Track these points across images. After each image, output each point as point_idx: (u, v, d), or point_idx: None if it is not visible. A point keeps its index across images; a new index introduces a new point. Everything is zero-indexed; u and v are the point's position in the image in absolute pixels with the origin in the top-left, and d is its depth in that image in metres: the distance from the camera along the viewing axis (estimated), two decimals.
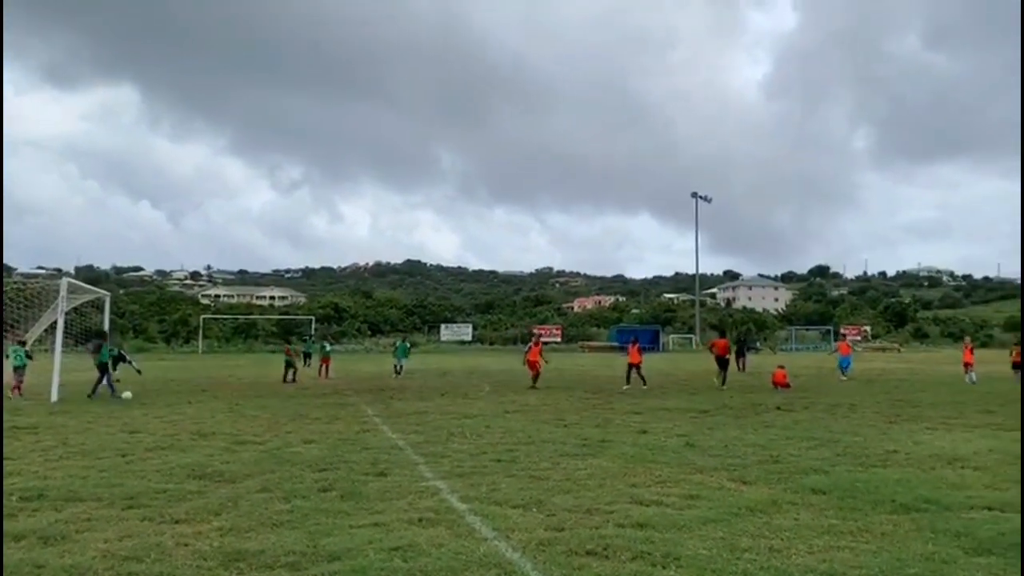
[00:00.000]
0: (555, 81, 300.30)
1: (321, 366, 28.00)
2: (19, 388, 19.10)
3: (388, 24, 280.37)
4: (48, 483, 7.73)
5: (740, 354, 32.07)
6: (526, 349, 24.27)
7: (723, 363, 22.55)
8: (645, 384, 21.06)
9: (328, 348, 29.43)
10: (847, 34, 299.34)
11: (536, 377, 21.98)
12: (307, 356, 33.65)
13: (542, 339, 25.14)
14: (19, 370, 19.44)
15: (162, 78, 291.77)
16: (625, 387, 21.01)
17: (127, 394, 18.15)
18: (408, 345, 31.14)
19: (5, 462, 9.00)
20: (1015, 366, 24.37)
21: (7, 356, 19.80)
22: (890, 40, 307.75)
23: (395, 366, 28.26)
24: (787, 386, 20.65)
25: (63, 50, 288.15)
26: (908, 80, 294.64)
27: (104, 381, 18.62)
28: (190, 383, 23.76)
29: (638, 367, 21.66)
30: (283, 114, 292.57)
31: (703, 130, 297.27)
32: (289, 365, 25.06)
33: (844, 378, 25.15)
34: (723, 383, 21.73)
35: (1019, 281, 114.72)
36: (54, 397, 17.35)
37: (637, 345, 22.72)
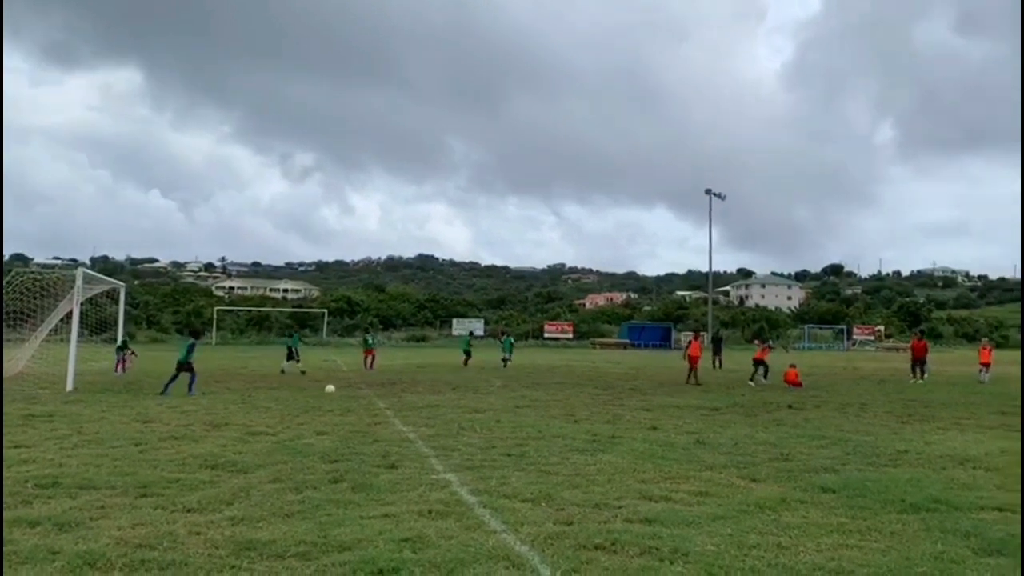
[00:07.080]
0: (570, 67, 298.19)
1: (366, 358, 28.87)
2: (122, 366, 23.12)
3: (399, 8, 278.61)
4: (63, 471, 7.83)
5: (716, 352, 32.16)
6: (686, 345, 23.84)
7: (919, 363, 24.12)
8: (698, 383, 21.69)
9: (372, 341, 30.52)
10: (872, 19, 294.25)
11: (694, 372, 22.18)
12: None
13: (695, 336, 24.93)
14: (120, 351, 23.38)
15: (165, 59, 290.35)
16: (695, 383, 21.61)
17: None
18: (512, 340, 33.71)
19: (21, 449, 9.14)
20: (984, 366, 24.31)
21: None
22: (918, 25, 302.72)
23: (503, 359, 30.74)
24: (799, 385, 20.59)
25: (61, 28, 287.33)
26: (936, 68, 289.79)
27: (188, 379, 16.91)
28: (203, 374, 23.88)
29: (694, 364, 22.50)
30: (290, 100, 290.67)
31: (721, 120, 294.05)
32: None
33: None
34: (922, 376, 23.73)
35: None
36: (69, 386, 17.52)
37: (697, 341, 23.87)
